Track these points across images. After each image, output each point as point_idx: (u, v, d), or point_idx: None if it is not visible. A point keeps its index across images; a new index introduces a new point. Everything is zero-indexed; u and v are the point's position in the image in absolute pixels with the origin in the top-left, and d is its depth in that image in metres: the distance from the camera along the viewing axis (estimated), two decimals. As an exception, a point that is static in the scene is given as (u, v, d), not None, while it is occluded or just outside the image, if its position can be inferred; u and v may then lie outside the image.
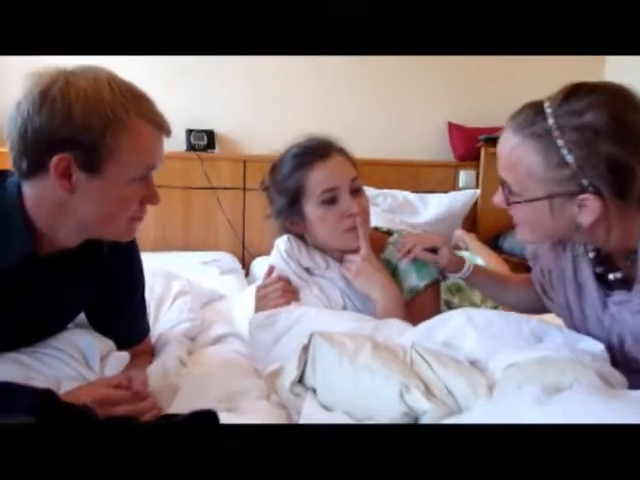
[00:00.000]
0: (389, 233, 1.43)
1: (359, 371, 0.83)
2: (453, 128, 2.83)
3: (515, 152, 0.91)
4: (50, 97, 0.87)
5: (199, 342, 1.35)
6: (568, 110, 0.86)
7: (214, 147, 2.55)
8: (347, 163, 1.31)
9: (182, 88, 2.52)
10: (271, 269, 1.35)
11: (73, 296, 1.07)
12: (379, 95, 2.75)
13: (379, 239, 1.38)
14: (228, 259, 2.33)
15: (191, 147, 2.49)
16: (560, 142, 0.86)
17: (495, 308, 1.61)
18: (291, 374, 0.91)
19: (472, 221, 2.74)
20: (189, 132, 2.49)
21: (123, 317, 1.16)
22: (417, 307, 1.27)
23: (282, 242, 1.35)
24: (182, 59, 2.45)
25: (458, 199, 2.60)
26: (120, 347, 1.15)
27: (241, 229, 2.56)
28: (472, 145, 2.76)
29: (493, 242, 2.73)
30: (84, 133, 0.87)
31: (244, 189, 2.54)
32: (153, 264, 1.89)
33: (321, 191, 1.26)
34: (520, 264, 2.56)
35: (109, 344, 1.12)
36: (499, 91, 2.84)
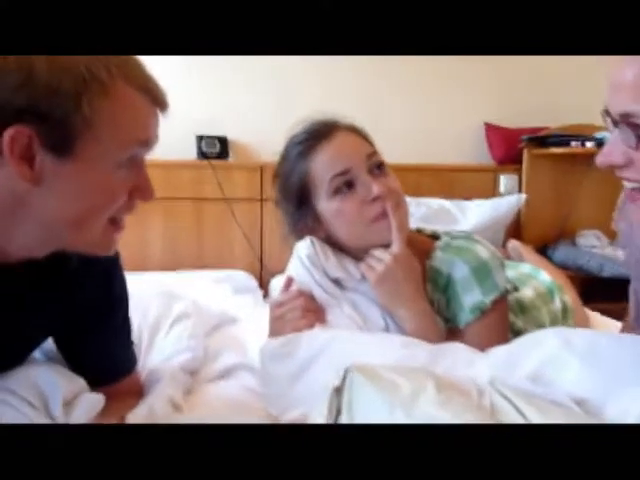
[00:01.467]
0: (435, 237, 1.14)
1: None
2: (491, 129, 2.60)
3: None
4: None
5: (201, 377, 1.09)
6: None
7: (227, 155, 2.33)
8: (358, 139, 1.06)
9: (192, 91, 2.32)
10: (289, 281, 1.08)
11: (30, 322, 0.82)
12: (407, 95, 2.55)
13: (423, 243, 1.10)
14: (242, 277, 2.10)
15: (202, 155, 2.27)
16: None
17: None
18: (318, 427, 0.63)
19: (516, 230, 2.50)
20: (200, 139, 2.27)
21: (96, 344, 0.92)
22: (482, 332, 0.98)
23: (304, 246, 1.07)
24: (191, 61, 2.27)
25: (501, 206, 2.37)
26: (96, 385, 0.90)
27: (258, 244, 2.31)
28: (513, 147, 2.55)
29: (541, 254, 2.45)
30: (50, 99, 0.64)
31: (261, 200, 2.30)
32: (157, 284, 1.66)
33: (331, 177, 1.01)
34: (573, 277, 2.29)
35: (79, 384, 0.87)
36: (538, 90, 2.64)
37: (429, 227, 1.39)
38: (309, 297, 1.03)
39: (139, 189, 0.75)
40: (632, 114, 0.68)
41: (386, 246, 1.00)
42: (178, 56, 2.24)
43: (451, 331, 1.04)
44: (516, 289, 1.23)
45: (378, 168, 1.04)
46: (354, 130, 1.08)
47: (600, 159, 0.73)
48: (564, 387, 0.66)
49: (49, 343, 0.94)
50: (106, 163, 0.69)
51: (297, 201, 1.05)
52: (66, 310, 0.86)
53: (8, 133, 0.63)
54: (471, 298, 1.01)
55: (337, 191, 1.01)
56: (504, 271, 1.06)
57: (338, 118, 1.09)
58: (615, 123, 0.71)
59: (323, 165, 1.02)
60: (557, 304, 1.34)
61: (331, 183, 1.01)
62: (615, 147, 0.71)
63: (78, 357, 0.93)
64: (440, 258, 1.06)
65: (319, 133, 1.05)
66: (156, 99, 0.74)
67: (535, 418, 0.57)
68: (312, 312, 1.00)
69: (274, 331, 1.02)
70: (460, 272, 1.02)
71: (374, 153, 1.04)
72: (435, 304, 1.06)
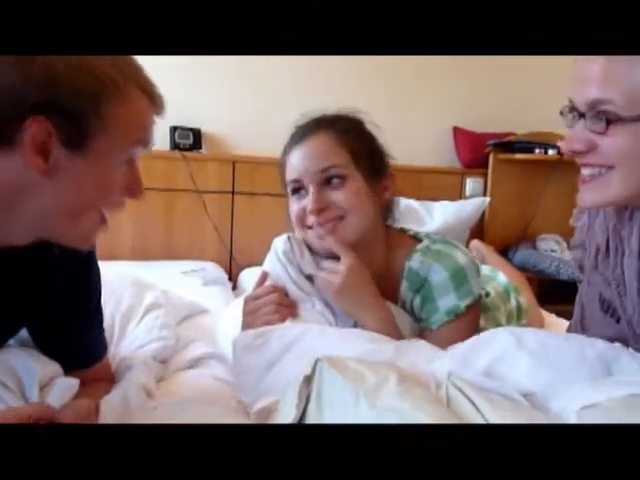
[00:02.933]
0: (417, 238, 1.16)
1: (382, 414, 0.60)
2: (459, 133, 2.66)
3: (620, 57, 0.73)
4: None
5: (172, 365, 1.11)
6: None
7: (200, 147, 2.33)
8: (330, 145, 1.06)
9: (167, 82, 2.29)
10: (264, 276, 1.11)
11: (9, 309, 0.84)
12: (379, 96, 2.57)
13: (404, 243, 1.13)
14: (213, 269, 2.11)
15: (175, 146, 2.27)
16: None
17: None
18: (289, 413, 0.67)
19: (479, 232, 2.57)
20: (173, 129, 2.27)
21: (71, 332, 0.94)
22: (453, 333, 1.02)
23: (280, 242, 1.11)
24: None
25: (466, 208, 2.43)
26: (69, 370, 0.92)
27: (229, 237, 2.33)
28: (479, 151, 2.62)
29: (502, 255, 2.52)
30: (72, 97, 0.67)
31: (233, 193, 2.32)
32: (127, 273, 1.67)
33: (288, 181, 1.09)
34: (532, 279, 2.38)
35: (54, 368, 0.89)
36: (506, 95, 2.72)
37: (397, 226, 1.45)
38: (283, 292, 1.06)
39: (130, 186, 0.78)
40: (602, 101, 0.75)
41: (335, 257, 1.05)
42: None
43: (422, 330, 1.09)
44: (487, 294, 1.28)
45: (330, 181, 1.05)
46: (335, 130, 1.07)
47: (564, 146, 0.80)
48: (515, 382, 0.72)
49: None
50: (112, 160, 0.73)
51: (282, 183, 1.13)
52: (45, 297, 0.87)
53: (31, 127, 0.66)
54: (447, 302, 1.05)
55: (292, 192, 1.09)
56: (479, 277, 1.10)
57: (331, 113, 1.12)
58: (581, 115, 0.77)
59: (288, 168, 1.09)
60: (512, 303, 1.41)
61: (287, 186, 1.09)
62: (579, 135, 0.78)
63: (51, 343, 0.94)
64: (419, 260, 1.09)
65: (298, 134, 1.09)
66: (156, 103, 0.78)
67: (486, 409, 0.62)
68: (285, 307, 1.04)
69: (247, 324, 1.05)
70: (438, 276, 1.06)
71: (331, 167, 1.05)
72: (408, 303, 1.10)
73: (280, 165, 1.12)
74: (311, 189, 1.04)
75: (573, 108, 0.80)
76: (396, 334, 1.02)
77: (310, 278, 1.09)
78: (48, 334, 0.93)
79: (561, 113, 0.83)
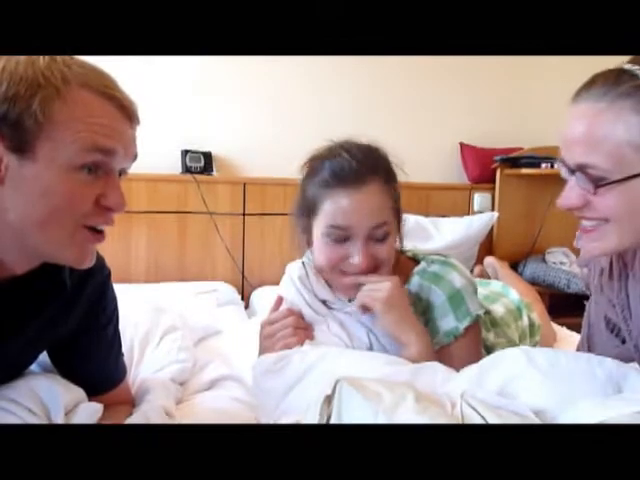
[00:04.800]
0: (415, 259, 1.16)
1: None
2: (466, 149, 2.69)
3: (601, 120, 0.75)
4: None
5: (190, 388, 1.14)
6: None
7: (212, 170, 2.37)
8: (381, 198, 1.02)
9: (178, 107, 2.35)
10: (279, 300, 1.12)
11: (29, 334, 0.86)
12: (386, 115, 2.61)
13: (403, 266, 1.12)
14: (226, 289, 2.14)
15: (187, 169, 2.31)
16: None
17: (534, 346, 1.41)
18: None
19: (488, 247, 2.59)
20: (185, 153, 2.31)
21: (91, 357, 0.96)
22: (456, 354, 1.04)
23: (295, 268, 1.12)
24: (178, 77, 2.31)
25: (474, 223, 2.44)
26: (90, 394, 0.94)
27: (240, 257, 2.37)
28: (487, 167, 2.64)
29: (512, 269, 2.55)
30: (8, 102, 0.70)
31: (244, 214, 2.36)
32: (142, 297, 1.71)
33: (330, 224, 1.01)
34: (542, 293, 2.39)
35: (78, 393, 0.92)
36: (512, 111, 2.76)
37: (406, 244, 1.44)
38: (299, 316, 1.07)
39: (107, 198, 0.77)
40: (587, 165, 0.77)
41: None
42: (166, 72, 2.30)
43: None
44: (487, 312, 1.27)
45: (378, 235, 1.02)
46: (386, 180, 1.04)
47: (560, 202, 0.83)
48: (526, 399, 0.74)
49: (44, 354, 0.98)
50: (64, 165, 0.72)
51: (305, 208, 1.07)
52: (64, 323, 0.90)
53: None
54: (446, 324, 1.07)
55: (329, 235, 1.02)
56: (477, 296, 1.11)
57: (379, 157, 1.06)
58: (572, 171, 0.80)
59: (332, 209, 1.01)
60: (525, 321, 1.42)
61: (328, 228, 1.02)
62: (573, 192, 0.80)
63: (71, 368, 0.96)
64: (418, 284, 1.10)
65: (349, 177, 1.01)
66: (123, 108, 0.76)
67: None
68: (302, 330, 1.05)
69: (266, 348, 1.06)
70: (437, 299, 1.07)
71: (382, 224, 1.01)
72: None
73: (308, 184, 1.06)
74: (359, 243, 1.01)
75: (564, 163, 0.82)
76: (433, 352, 1.02)
77: (324, 302, 1.10)
78: (68, 359, 0.96)
79: (558, 164, 0.86)
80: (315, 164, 1.07)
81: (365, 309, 1.04)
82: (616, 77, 0.76)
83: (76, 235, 0.76)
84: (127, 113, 0.77)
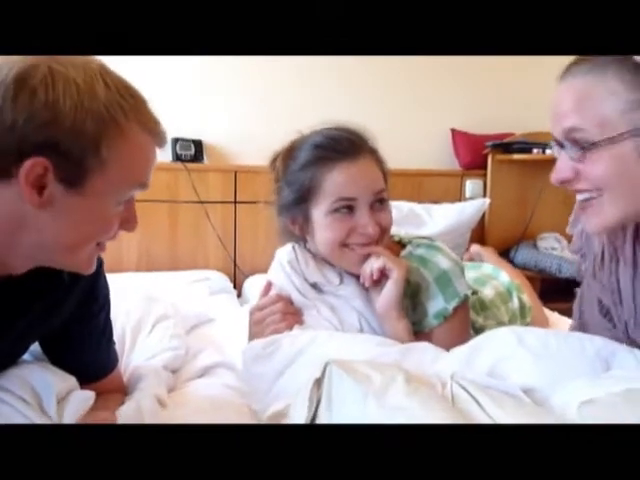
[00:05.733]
0: (401, 243, 1.18)
1: (390, 413, 0.63)
2: (457, 135, 2.68)
3: (586, 88, 0.78)
4: (29, 87, 0.66)
5: (183, 375, 1.14)
6: None
7: (202, 158, 2.36)
8: (376, 169, 1.07)
9: (168, 94, 2.33)
10: (268, 286, 1.13)
11: (24, 325, 0.86)
12: (378, 102, 2.60)
13: (390, 249, 1.12)
14: (218, 278, 2.13)
15: (177, 157, 2.30)
16: None
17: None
18: (300, 415, 0.69)
19: (480, 233, 2.59)
20: (175, 141, 2.30)
21: (82, 345, 0.96)
22: (445, 335, 1.05)
23: (285, 253, 1.13)
24: (167, 64, 2.29)
25: (466, 209, 2.45)
26: (81, 382, 0.94)
27: (232, 246, 2.36)
28: (478, 153, 2.64)
29: (504, 256, 2.55)
30: (73, 139, 0.67)
31: (235, 202, 2.35)
32: (134, 285, 1.70)
33: (337, 198, 1.03)
34: (534, 278, 2.40)
35: (70, 381, 0.91)
36: (504, 97, 2.75)
37: (399, 230, 1.46)
38: (288, 301, 1.08)
39: (126, 221, 0.80)
40: (575, 128, 0.79)
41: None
42: (156, 59, 2.27)
43: (417, 334, 1.10)
44: (475, 292, 1.29)
45: (380, 202, 1.07)
46: (376, 156, 1.09)
47: (553, 177, 0.84)
48: (517, 379, 0.74)
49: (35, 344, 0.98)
50: (110, 200, 0.74)
51: (298, 195, 1.07)
52: (57, 314, 0.90)
53: (28, 163, 0.67)
54: (435, 305, 1.08)
55: (336, 210, 1.04)
56: (464, 277, 1.12)
57: (364, 135, 1.10)
58: (560, 145, 0.81)
59: (335, 183, 1.03)
60: (515, 303, 1.43)
61: (334, 202, 1.03)
62: (563, 165, 0.81)
63: (62, 356, 0.96)
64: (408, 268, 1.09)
65: (345, 149, 1.05)
66: (159, 138, 0.77)
67: (489, 406, 0.65)
68: (291, 315, 1.06)
69: (255, 334, 1.06)
70: (424, 282, 1.09)
71: (382, 190, 1.06)
72: (404, 309, 1.12)
73: (297, 169, 1.08)
74: (366, 212, 1.04)
75: (555, 140, 0.84)
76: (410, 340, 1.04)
77: (315, 286, 1.10)
78: (59, 348, 0.96)
79: (550, 147, 0.87)
80: (298, 151, 1.09)
81: (373, 281, 1.05)
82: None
83: (90, 253, 0.79)
84: (160, 142, 0.78)
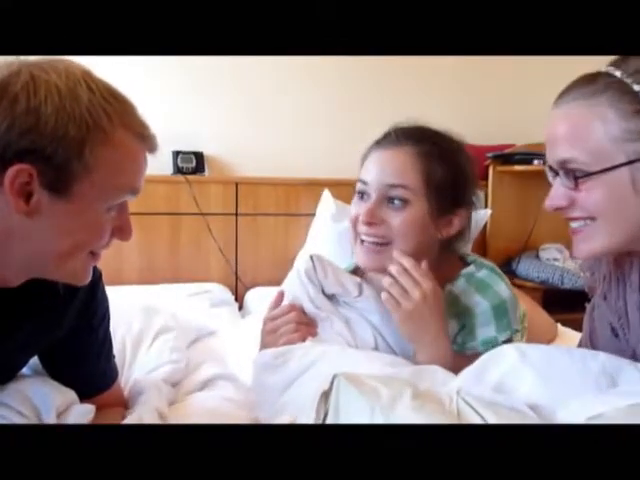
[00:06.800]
0: (464, 260, 1.10)
1: (395, 429, 0.62)
2: (458, 146, 2.67)
3: (580, 117, 0.78)
4: (11, 94, 0.67)
5: (183, 388, 1.13)
6: (636, 64, 0.76)
7: (203, 170, 2.36)
8: (407, 164, 1.00)
9: (168, 107, 2.34)
10: (280, 296, 1.08)
11: (22, 338, 0.85)
12: (377, 113, 2.59)
13: (450, 265, 1.08)
14: (220, 290, 2.13)
15: (178, 170, 2.30)
16: (637, 87, 0.74)
17: (523, 332, 1.40)
18: (306, 428, 0.69)
19: (481, 244, 2.58)
20: (176, 154, 2.30)
21: (81, 359, 0.95)
22: None
23: (303, 261, 1.09)
24: (169, 77, 2.30)
25: (468, 221, 2.43)
26: (82, 397, 0.93)
27: (234, 258, 2.35)
28: (479, 164, 2.62)
29: (506, 266, 2.55)
30: (55, 144, 0.67)
31: (236, 214, 2.35)
32: (135, 298, 1.70)
33: (358, 180, 1.05)
34: (536, 289, 2.40)
35: (70, 395, 0.91)
36: (504, 108, 2.75)
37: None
38: (301, 311, 1.05)
39: (119, 229, 0.78)
40: (568, 160, 0.79)
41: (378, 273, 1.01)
42: (157, 72, 2.28)
43: (455, 354, 1.03)
44: (517, 331, 1.14)
45: (392, 201, 1.00)
46: (418, 149, 1.02)
47: (547, 203, 0.83)
48: (522, 395, 0.73)
49: (34, 358, 0.97)
50: (99, 206, 0.73)
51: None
52: (56, 327, 0.89)
53: (12, 170, 0.67)
54: (486, 332, 1.04)
55: (356, 190, 1.06)
56: (517, 312, 1.08)
57: (424, 130, 1.08)
58: (555, 172, 0.82)
59: (362, 167, 1.06)
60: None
61: (357, 183, 1.05)
62: (558, 192, 0.81)
63: (62, 370, 0.95)
64: (462, 288, 1.06)
65: (380, 139, 1.07)
66: (148, 142, 0.77)
67: (493, 421, 0.64)
68: (305, 325, 1.03)
69: (267, 344, 1.04)
70: (480, 307, 1.04)
71: (400, 186, 1.00)
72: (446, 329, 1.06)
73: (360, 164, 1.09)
74: (373, 198, 1.01)
75: (550, 166, 0.84)
76: (447, 364, 0.96)
77: (332, 297, 1.07)
78: (59, 362, 0.95)
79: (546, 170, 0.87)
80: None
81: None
82: (592, 78, 0.79)
83: (84, 261, 0.78)
84: (150, 148, 0.77)
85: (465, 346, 1.06)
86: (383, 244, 1.01)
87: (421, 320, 0.96)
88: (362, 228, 1.02)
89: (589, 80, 0.79)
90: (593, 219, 0.80)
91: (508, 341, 1.04)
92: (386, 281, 0.97)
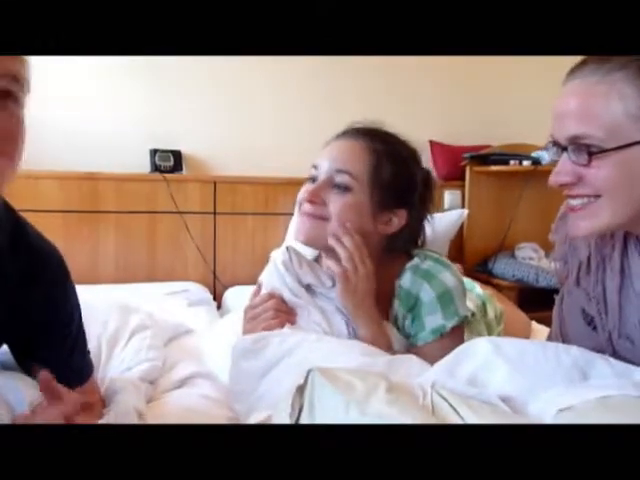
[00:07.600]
0: (409, 254, 1.14)
1: (371, 421, 0.62)
2: (435, 147, 2.71)
3: (595, 92, 0.76)
4: None
5: (161, 386, 1.13)
6: None
7: (181, 169, 2.35)
8: (354, 154, 1.07)
9: (146, 105, 2.32)
10: (259, 287, 1.14)
11: None
12: (357, 113, 2.60)
13: (396, 260, 1.12)
14: (197, 289, 2.12)
15: (156, 168, 2.29)
16: None
17: (499, 334, 1.43)
18: (283, 423, 0.69)
19: (459, 244, 2.61)
20: (154, 152, 2.29)
21: (55, 355, 0.94)
22: (437, 352, 1.02)
23: (279, 253, 1.14)
24: (146, 75, 2.28)
25: (444, 220, 2.45)
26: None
27: (212, 257, 2.34)
28: (456, 164, 2.67)
29: (482, 266, 2.59)
30: None
31: (214, 213, 2.34)
32: (111, 296, 1.68)
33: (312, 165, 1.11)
34: (511, 287, 2.43)
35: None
36: (482, 109, 2.78)
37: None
38: (280, 299, 1.09)
39: None
40: (581, 136, 0.78)
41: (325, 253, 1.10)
42: (136, 70, 2.26)
43: (410, 347, 1.10)
44: (473, 314, 1.25)
45: (337, 186, 1.05)
46: (370, 144, 1.08)
47: (552, 179, 0.82)
48: (495, 388, 0.74)
49: (4, 353, 0.96)
50: None
51: None
52: (17, 313, 0.87)
53: None
54: (433, 321, 1.08)
55: (308, 178, 1.11)
56: (465, 298, 1.12)
57: (382, 132, 1.15)
58: (563, 148, 0.80)
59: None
60: (491, 314, 1.44)
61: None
62: (564, 168, 0.80)
63: (35, 361, 0.93)
64: (410, 279, 1.10)
65: (340, 133, 1.14)
66: None
67: (467, 415, 0.65)
68: (284, 312, 1.06)
69: (248, 331, 1.07)
70: (426, 296, 1.08)
71: (343, 172, 1.05)
72: (400, 320, 1.12)
73: None
74: (319, 182, 1.07)
75: (555, 142, 0.82)
76: (385, 342, 1.05)
77: (308, 288, 1.10)
78: (32, 357, 0.93)
79: (545, 149, 0.86)
80: None
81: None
82: (606, 57, 0.77)
83: None
84: None
85: (417, 337, 1.10)
86: (320, 218, 1.06)
87: (361, 295, 1.04)
88: (305, 205, 1.07)
89: (603, 58, 0.78)
90: (597, 196, 0.79)
91: (456, 328, 1.09)
92: (342, 254, 1.04)
